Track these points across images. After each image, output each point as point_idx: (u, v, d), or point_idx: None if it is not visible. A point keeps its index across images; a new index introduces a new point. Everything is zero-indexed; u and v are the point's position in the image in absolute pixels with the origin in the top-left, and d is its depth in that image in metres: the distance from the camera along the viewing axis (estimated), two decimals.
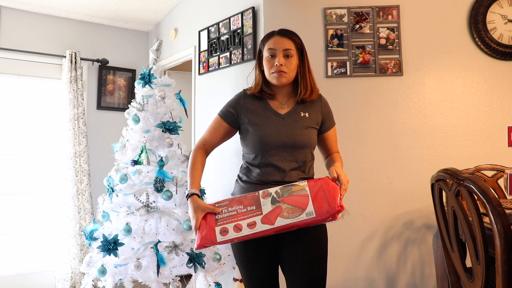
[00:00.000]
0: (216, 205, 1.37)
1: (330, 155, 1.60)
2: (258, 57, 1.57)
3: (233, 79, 2.60)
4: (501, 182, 2.05)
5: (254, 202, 1.32)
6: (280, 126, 1.47)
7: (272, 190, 1.34)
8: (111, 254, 1.86)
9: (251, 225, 1.29)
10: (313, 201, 1.30)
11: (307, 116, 1.50)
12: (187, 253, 1.95)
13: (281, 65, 1.46)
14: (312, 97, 1.52)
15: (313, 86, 1.53)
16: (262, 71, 1.55)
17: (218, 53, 2.74)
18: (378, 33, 2.32)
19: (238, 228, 1.29)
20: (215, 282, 2.07)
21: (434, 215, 1.55)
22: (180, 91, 2.31)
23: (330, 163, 1.54)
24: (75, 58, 3.39)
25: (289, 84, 1.53)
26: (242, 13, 2.52)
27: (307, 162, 1.50)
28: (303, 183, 1.34)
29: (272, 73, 1.48)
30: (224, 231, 1.30)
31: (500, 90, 2.35)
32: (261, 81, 1.55)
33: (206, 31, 2.88)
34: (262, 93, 1.54)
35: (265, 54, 1.50)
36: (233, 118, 1.55)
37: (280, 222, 1.29)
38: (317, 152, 1.58)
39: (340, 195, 1.33)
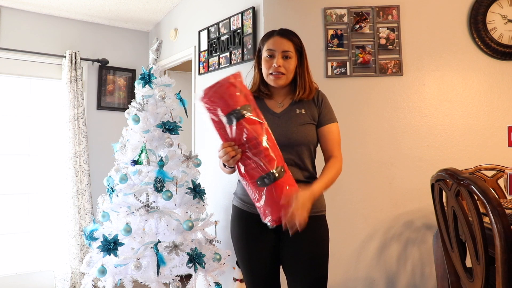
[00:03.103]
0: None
1: (328, 159, 1.52)
2: (257, 56, 1.56)
3: None
4: (501, 182, 2.05)
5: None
6: (275, 125, 1.46)
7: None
8: (111, 254, 1.86)
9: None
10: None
11: (303, 112, 1.49)
12: (187, 253, 1.95)
13: (279, 66, 1.45)
14: (310, 97, 1.51)
15: (311, 86, 1.52)
16: (260, 70, 1.55)
17: (218, 53, 2.74)
18: (378, 33, 2.32)
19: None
20: (215, 282, 2.07)
21: (434, 215, 1.55)
22: (180, 91, 2.30)
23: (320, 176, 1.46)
24: (75, 58, 3.39)
25: (287, 84, 1.53)
26: (242, 13, 2.52)
27: (306, 160, 1.49)
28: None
29: (270, 73, 1.48)
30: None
31: (500, 90, 2.35)
32: (259, 80, 1.55)
33: (206, 31, 2.88)
34: (259, 93, 1.54)
35: (264, 54, 1.50)
36: None
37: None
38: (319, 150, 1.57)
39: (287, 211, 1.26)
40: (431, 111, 2.32)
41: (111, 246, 1.85)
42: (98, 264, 1.89)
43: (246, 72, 2.33)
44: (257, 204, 1.30)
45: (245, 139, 1.24)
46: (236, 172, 1.35)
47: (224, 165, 1.39)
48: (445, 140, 2.31)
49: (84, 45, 3.60)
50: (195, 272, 1.98)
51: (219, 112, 1.25)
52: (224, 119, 1.25)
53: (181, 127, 2.20)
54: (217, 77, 2.78)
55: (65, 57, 3.37)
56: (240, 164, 1.29)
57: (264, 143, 1.25)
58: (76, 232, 3.22)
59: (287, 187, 1.26)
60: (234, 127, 1.24)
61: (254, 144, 1.25)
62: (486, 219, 1.16)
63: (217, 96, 1.25)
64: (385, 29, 2.32)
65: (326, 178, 1.41)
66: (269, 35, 1.52)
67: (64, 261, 3.20)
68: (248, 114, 1.24)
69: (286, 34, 1.50)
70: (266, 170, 1.25)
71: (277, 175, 1.25)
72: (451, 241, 1.41)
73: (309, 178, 1.49)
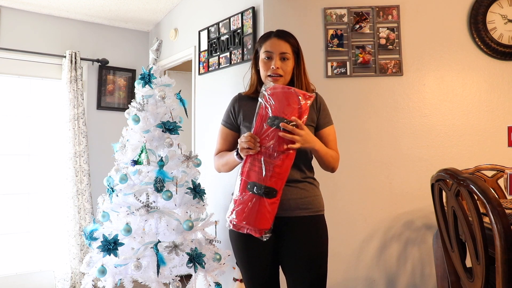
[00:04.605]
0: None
1: None
2: (254, 56, 1.57)
3: (233, 79, 2.60)
4: (501, 182, 2.05)
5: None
6: None
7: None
8: (111, 254, 1.86)
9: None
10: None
11: None
12: (187, 253, 1.95)
13: (277, 68, 1.46)
14: None
15: (307, 87, 1.53)
16: (257, 71, 1.55)
17: (218, 53, 2.74)
18: (378, 33, 2.32)
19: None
20: (215, 282, 2.07)
21: (434, 215, 1.55)
22: (180, 91, 2.30)
23: None
24: (75, 58, 3.39)
25: None
26: (242, 13, 2.52)
27: (304, 160, 1.49)
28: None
29: (268, 75, 1.48)
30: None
31: (500, 90, 2.35)
32: (256, 81, 1.56)
33: (206, 31, 2.88)
34: (256, 94, 1.55)
35: (262, 56, 1.51)
36: (233, 123, 1.58)
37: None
38: None
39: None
40: (431, 111, 2.32)
41: (111, 246, 1.85)
42: (98, 264, 1.89)
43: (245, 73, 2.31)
44: (234, 197, 1.35)
45: (269, 145, 1.32)
46: (236, 169, 1.37)
47: (237, 153, 1.42)
48: (445, 140, 2.31)
49: (84, 45, 3.60)
50: (195, 272, 1.98)
51: (269, 109, 1.33)
52: (268, 118, 1.33)
53: (181, 127, 2.20)
54: (217, 77, 2.79)
55: (65, 57, 3.37)
56: (248, 160, 1.35)
57: (279, 161, 1.31)
58: (76, 232, 3.22)
59: (265, 212, 1.31)
60: (269, 130, 1.32)
61: (271, 155, 1.32)
62: (486, 219, 1.16)
63: (279, 98, 1.34)
64: (385, 29, 2.32)
65: (327, 148, 1.47)
66: (266, 36, 1.53)
67: (64, 261, 3.19)
68: (287, 129, 1.30)
69: (283, 35, 1.51)
70: (262, 182, 1.30)
71: (267, 192, 1.30)
72: (451, 241, 1.41)
73: (307, 178, 1.50)
